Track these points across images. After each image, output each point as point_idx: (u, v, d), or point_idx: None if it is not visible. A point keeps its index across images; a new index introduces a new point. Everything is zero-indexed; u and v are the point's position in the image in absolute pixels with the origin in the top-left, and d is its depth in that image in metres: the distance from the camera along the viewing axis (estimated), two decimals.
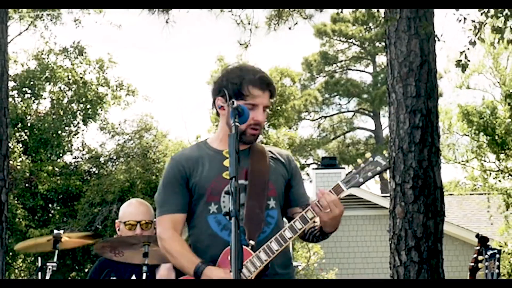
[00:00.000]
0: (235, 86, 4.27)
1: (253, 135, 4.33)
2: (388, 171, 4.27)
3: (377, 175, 4.24)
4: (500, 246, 18.43)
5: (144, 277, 5.07)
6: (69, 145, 26.65)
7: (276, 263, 4.26)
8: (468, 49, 9.12)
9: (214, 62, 31.12)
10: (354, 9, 10.04)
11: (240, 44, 14.08)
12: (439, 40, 9.99)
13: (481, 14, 9.11)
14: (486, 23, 9.10)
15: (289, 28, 13.66)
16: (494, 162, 20.36)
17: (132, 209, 5.85)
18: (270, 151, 4.50)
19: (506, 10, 8.82)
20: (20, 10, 25.94)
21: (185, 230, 4.45)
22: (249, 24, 13.94)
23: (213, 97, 4.44)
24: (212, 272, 4.11)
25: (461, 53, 9.10)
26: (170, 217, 4.31)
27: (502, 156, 19.92)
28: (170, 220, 4.30)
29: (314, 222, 4.24)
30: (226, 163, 4.17)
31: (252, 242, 4.15)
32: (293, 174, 4.49)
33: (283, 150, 4.66)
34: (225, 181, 4.13)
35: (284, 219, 4.48)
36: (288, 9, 13.53)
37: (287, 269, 4.39)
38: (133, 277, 5.61)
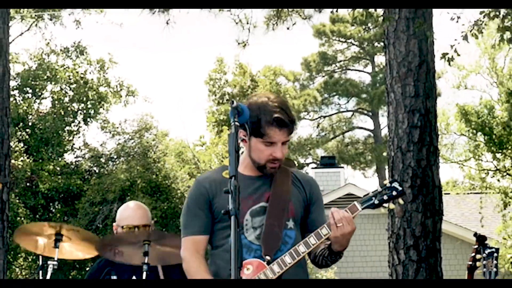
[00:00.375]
0: (254, 124, 4.30)
1: (273, 168, 4.40)
2: (398, 199, 4.35)
3: (393, 200, 4.33)
4: (504, 239, 18.44)
5: (144, 276, 5.06)
6: (70, 145, 26.66)
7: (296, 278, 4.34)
8: (459, 43, 9.09)
9: (213, 63, 31.19)
10: (352, 9, 9.98)
11: (238, 43, 14.07)
12: (432, 37, 9.98)
13: (482, 15, 9.08)
14: (484, 23, 9.06)
15: (287, 28, 13.65)
16: (492, 162, 20.37)
17: (129, 213, 5.81)
18: (293, 174, 4.55)
19: (504, 10, 8.80)
20: (21, 10, 25.94)
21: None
22: (247, 23, 13.94)
23: None
24: None
25: (451, 46, 9.06)
26: (192, 239, 4.42)
27: (499, 155, 19.93)
28: (192, 242, 4.41)
29: (325, 241, 4.31)
30: (241, 184, 4.15)
31: (268, 258, 4.24)
32: (313, 200, 4.53)
33: (308, 175, 4.74)
34: (248, 204, 4.34)
35: None
36: (287, 9, 13.52)
37: None
38: (133, 277, 5.60)
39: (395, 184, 4.31)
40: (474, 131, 20.15)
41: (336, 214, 4.17)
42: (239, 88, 30.69)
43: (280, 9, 13.59)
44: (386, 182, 4.35)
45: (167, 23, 13.64)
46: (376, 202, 4.28)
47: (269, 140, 4.33)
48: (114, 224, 5.88)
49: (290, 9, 13.55)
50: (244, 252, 4.26)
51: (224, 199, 4.21)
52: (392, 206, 4.38)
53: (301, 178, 4.57)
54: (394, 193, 4.29)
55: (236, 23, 13.91)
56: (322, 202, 4.60)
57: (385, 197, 4.29)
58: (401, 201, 4.34)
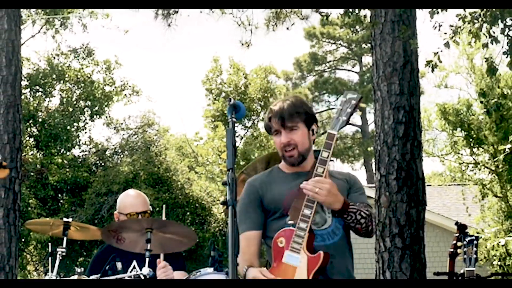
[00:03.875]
0: (265, 125, 4.61)
1: (290, 156, 4.52)
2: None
3: (356, 108, 4.36)
4: (477, 233, 18.45)
5: (147, 262, 5.04)
6: (77, 140, 26.67)
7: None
8: (442, 51, 9.09)
9: (210, 62, 31.22)
10: (342, 13, 9.93)
11: (242, 44, 14.09)
12: (414, 45, 9.95)
13: (459, 19, 9.08)
14: (463, 28, 9.05)
15: (287, 29, 13.67)
16: (472, 156, 20.39)
17: (132, 201, 5.83)
18: (332, 173, 4.63)
19: (482, 16, 8.78)
20: (32, 14, 25.88)
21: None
22: (249, 25, 13.94)
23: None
24: (249, 273, 4.40)
25: (435, 54, 9.05)
26: (244, 235, 4.47)
27: (476, 150, 19.95)
28: (244, 238, 4.45)
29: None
30: (286, 181, 4.52)
31: (291, 222, 4.35)
32: (352, 186, 4.61)
33: (345, 171, 4.84)
34: (293, 197, 4.41)
35: None
36: (285, 11, 13.52)
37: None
38: (134, 262, 5.59)
39: (350, 95, 4.36)
40: (453, 128, 20.18)
41: (307, 186, 4.27)
42: (233, 86, 30.79)
43: (279, 11, 13.59)
44: (343, 98, 4.41)
45: (169, 25, 13.65)
46: (344, 118, 4.35)
47: (274, 130, 4.51)
48: (115, 212, 5.86)
49: (288, 11, 13.55)
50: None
51: (272, 195, 4.51)
52: (362, 105, 4.38)
53: (339, 174, 4.70)
54: (353, 102, 4.34)
55: (239, 25, 13.92)
56: (360, 187, 4.66)
57: (349, 110, 4.33)
58: (362, 105, 4.34)
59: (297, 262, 4.27)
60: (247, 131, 31.12)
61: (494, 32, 8.92)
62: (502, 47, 9.13)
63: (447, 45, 8.93)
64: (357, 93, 4.33)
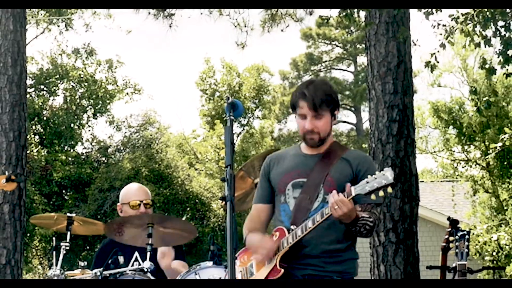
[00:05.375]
0: (293, 101, 4.53)
1: (311, 139, 4.48)
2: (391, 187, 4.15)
3: (382, 188, 4.16)
4: (470, 229, 18.46)
5: (148, 256, 5.05)
6: (81, 137, 26.67)
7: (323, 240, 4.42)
8: (438, 51, 9.08)
9: (202, 63, 31.31)
10: (340, 9, 9.88)
11: (237, 45, 14.08)
12: (415, 44, 9.95)
13: (452, 19, 9.07)
14: (456, 28, 9.04)
15: (282, 30, 13.66)
16: (463, 152, 20.41)
17: (134, 191, 5.90)
18: (346, 152, 4.58)
19: (475, 17, 8.78)
20: (36, 15, 25.86)
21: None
22: (245, 26, 13.92)
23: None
24: (250, 237, 4.53)
25: (432, 55, 9.05)
26: (254, 206, 4.68)
27: (467, 147, 19.96)
28: (254, 209, 4.67)
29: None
30: (295, 160, 4.53)
31: (293, 227, 4.37)
32: (360, 175, 4.45)
33: (361, 153, 4.75)
34: (292, 176, 4.48)
35: None
36: (280, 13, 13.50)
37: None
38: (136, 253, 5.62)
39: (388, 174, 4.16)
40: (446, 125, 20.19)
41: (331, 198, 4.19)
42: (227, 85, 30.90)
43: (274, 13, 13.57)
44: (386, 170, 4.20)
45: (170, 26, 13.66)
46: (367, 188, 4.15)
47: (300, 113, 4.46)
48: (118, 204, 5.90)
49: (283, 13, 13.53)
50: (286, 220, 4.45)
51: (277, 172, 4.57)
52: (381, 194, 4.15)
53: (351, 156, 4.56)
54: (384, 182, 4.15)
55: (235, 26, 13.90)
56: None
57: (376, 185, 4.15)
58: (389, 189, 4.15)
59: (267, 263, 4.40)
60: (243, 129, 31.17)
61: (487, 36, 8.92)
62: (495, 48, 9.13)
63: (442, 45, 8.93)
64: (393, 176, 4.15)
